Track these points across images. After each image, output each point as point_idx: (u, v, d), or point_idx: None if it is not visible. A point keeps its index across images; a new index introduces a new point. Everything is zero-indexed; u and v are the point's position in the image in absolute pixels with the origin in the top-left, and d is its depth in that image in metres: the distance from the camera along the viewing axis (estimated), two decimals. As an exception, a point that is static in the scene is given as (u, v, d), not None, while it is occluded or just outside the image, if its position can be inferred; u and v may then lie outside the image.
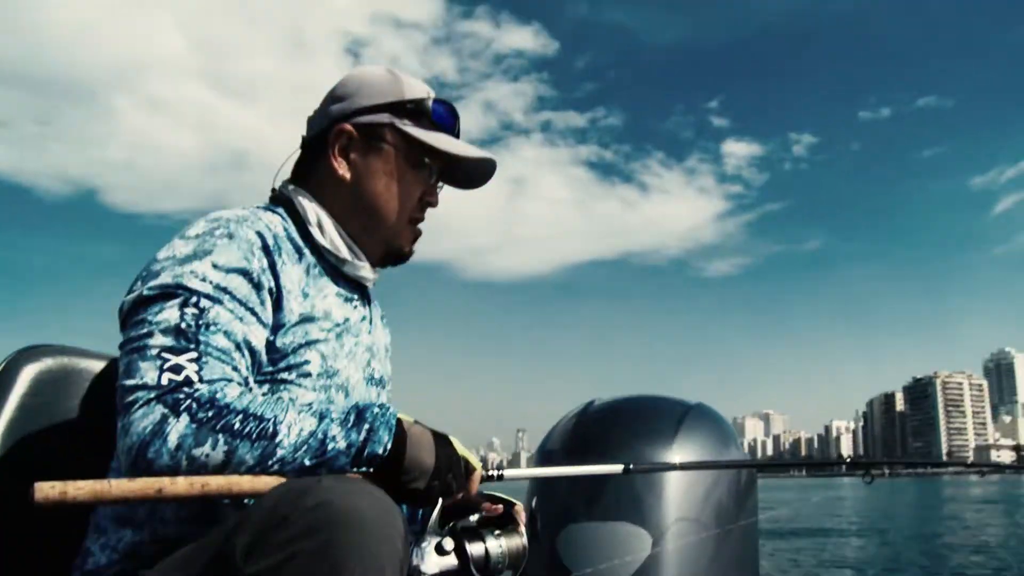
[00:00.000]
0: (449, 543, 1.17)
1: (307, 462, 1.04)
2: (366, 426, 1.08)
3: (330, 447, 1.05)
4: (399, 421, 1.11)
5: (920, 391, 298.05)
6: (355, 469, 1.07)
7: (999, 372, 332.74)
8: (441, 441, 1.14)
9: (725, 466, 1.85)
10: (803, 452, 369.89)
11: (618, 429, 1.95)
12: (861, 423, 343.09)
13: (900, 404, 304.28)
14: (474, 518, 1.25)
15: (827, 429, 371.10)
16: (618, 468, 1.59)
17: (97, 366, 1.49)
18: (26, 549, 1.35)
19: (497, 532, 1.22)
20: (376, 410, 1.10)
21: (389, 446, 1.08)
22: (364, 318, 1.40)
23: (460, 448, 1.17)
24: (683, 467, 1.78)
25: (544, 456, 2.00)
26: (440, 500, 1.14)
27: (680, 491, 1.82)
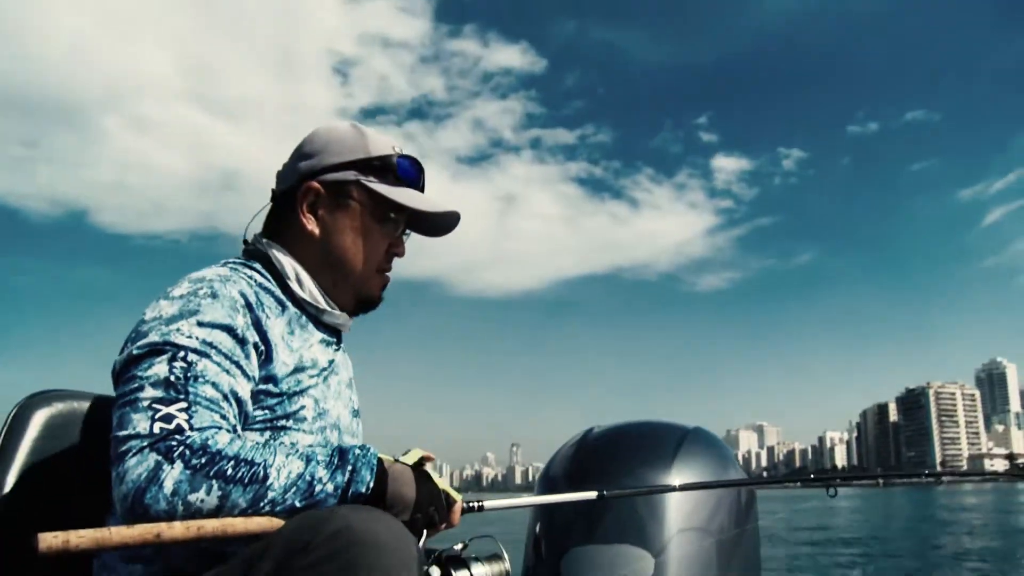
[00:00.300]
0: (436, 572, 1.28)
1: (297, 503, 1.11)
2: (349, 467, 1.15)
3: (317, 488, 1.12)
4: (380, 460, 1.18)
5: (913, 401, 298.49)
6: None
7: (991, 382, 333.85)
8: (421, 476, 1.21)
9: (693, 488, 1.86)
10: (797, 464, 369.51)
11: (618, 455, 1.98)
12: (855, 434, 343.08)
13: (893, 414, 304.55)
14: (458, 547, 1.34)
15: (821, 440, 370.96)
16: (592, 495, 1.62)
17: (105, 408, 1.53)
18: None
19: (481, 560, 1.32)
20: (358, 451, 1.17)
21: (372, 484, 1.15)
22: (339, 357, 1.48)
23: (441, 482, 1.24)
24: (653, 491, 1.83)
25: (547, 483, 2.04)
26: (424, 532, 1.20)
27: (682, 513, 1.85)
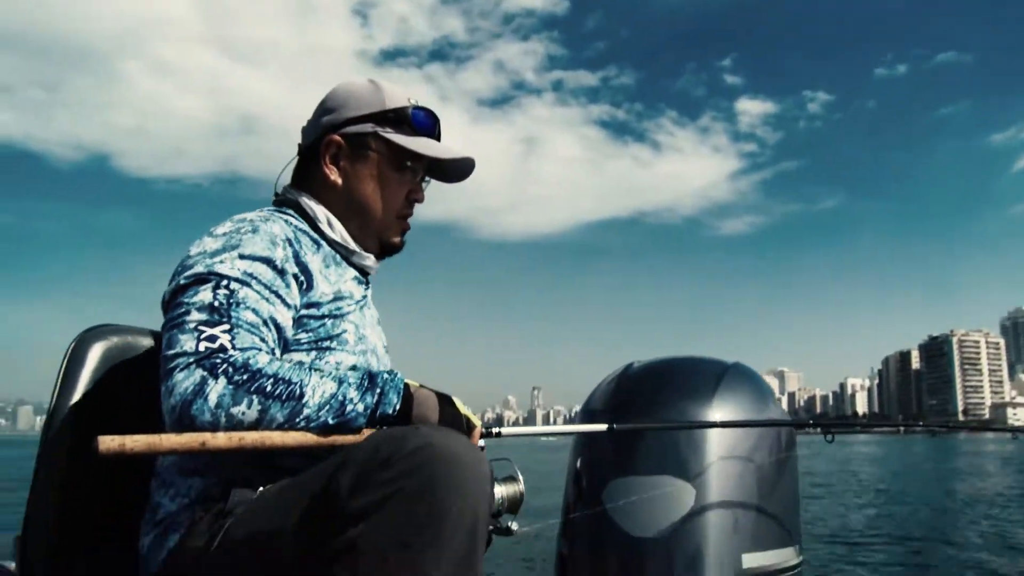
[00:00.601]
0: None
1: (330, 420, 1.20)
2: (378, 390, 1.23)
3: (348, 408, 1.21)
4: (406, 384, 1.27)
5: (936, 349, 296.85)
6: (370, 427, 1.22)
7: (1016, 330, 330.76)
8: (444, 401, 1.30)
9: (709, 426, 1.89)
10: (818, 410, 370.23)
11: (658, 388, 2.00)
12: (876, 381, 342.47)
13: (916, 362, 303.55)
14: None
15: (842, 387, 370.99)
16: (602, 427, 1.75)
17: (154, 342, 1.62)
18: (95, 510, 1.47)
19: (498, 481, 1.40)
20: (386, 375, 1.26)
21: (398, 406, 1.24)
22: (369, 296, 1.58)
23: (461, 407, 1.32)
24: (666, 427, 1.88)
25: (587, 415, 2.06)
26: None
27: (722, 449, 1.87)
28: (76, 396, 1.51)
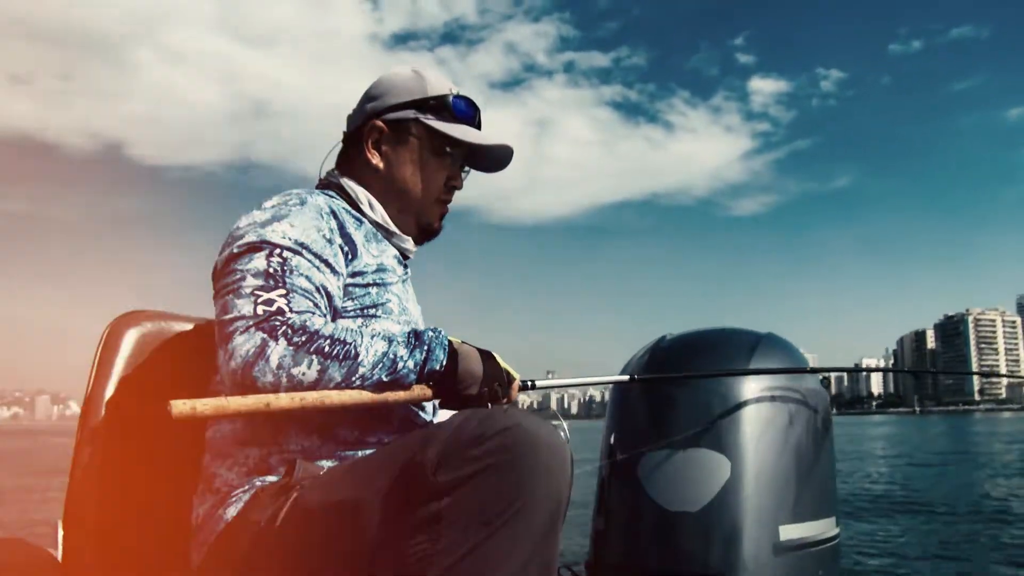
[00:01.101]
0: None
1: (384, 378, 1.26)
2: (425, 347, 1.30)
3: (400, 365, 1.27)
4: (450, 341, 1.34)
5: (952, 328, 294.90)
6: (419, 382, 1.30)
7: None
8: (486, 355, 1.38)
9: (740, 373, 1.91)
10: (833, 390, 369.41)
11: (692, 359, 1.98)
12: (891, 360, 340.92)
13: (931, 341, 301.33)
14: None
15: (857, 366, 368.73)
16: (624, 377, 1.83)
17: (187, 327, 1.66)
18: (137, 491, 1.49)
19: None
20: (431, 333, 1.33)
21: (445, 362, 1.31)
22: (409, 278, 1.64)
23: (501, 362, 1.41)
24: (690, 376, 1.89)
25: (621, 389, 2.06)
26: (489, 404, 1.35)
27: (758, 420, 1.86)
28: (113, 380, 1.53)
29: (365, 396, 1.24)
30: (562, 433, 1.20)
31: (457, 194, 1.64)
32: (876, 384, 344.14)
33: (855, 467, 17.93)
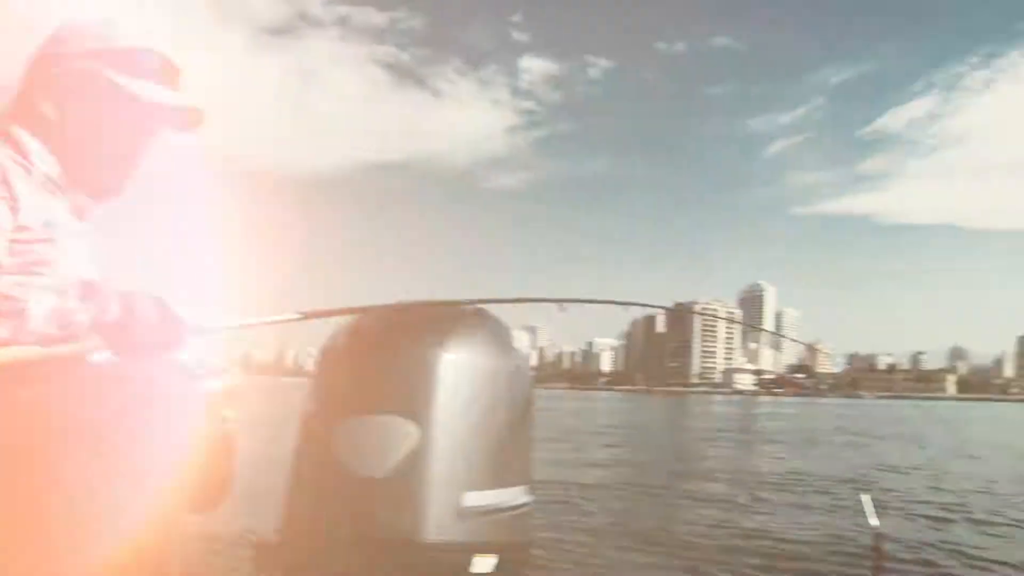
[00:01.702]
0: None
1: (54, 332, 1.25)
2: (99, 298, 1.31)
3: (71, 318, 1.27)
4: (122, 292, 1.34)
5: (680, 315, 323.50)
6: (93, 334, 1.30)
7: (751, 304, 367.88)
8: (158, 303, 1.36)
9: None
10: (566, 366, 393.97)
11: (394, 329, 1.98)
12: (623, 342, 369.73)
13: (661, 326, 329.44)
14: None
15: (590, 345, 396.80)
16: (295, 315, 1.73)
17: None
18: None
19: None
20: (104, 286, 1.37)
21: (118, 313, 1.31)
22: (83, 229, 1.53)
23: (175, 308, 1.38)
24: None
25: (324, 353, 2.02)
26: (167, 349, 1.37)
27: (456, 394, 1.88)
28: None
29: (34, 352, 1.22)
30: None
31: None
32: (607, 362, 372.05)
33: (583, 440, 19.29)
